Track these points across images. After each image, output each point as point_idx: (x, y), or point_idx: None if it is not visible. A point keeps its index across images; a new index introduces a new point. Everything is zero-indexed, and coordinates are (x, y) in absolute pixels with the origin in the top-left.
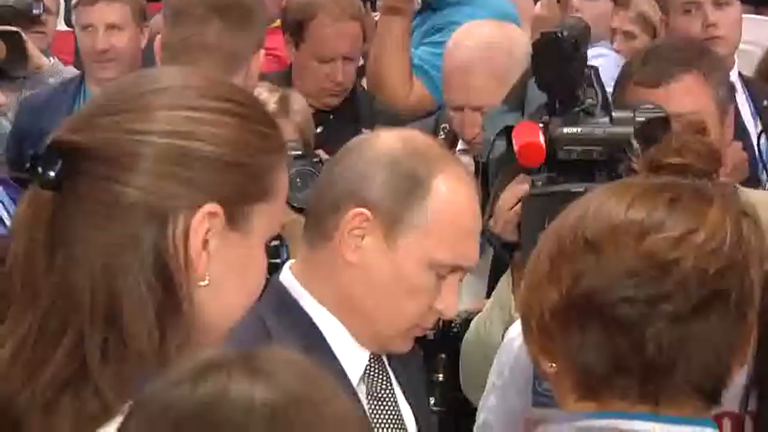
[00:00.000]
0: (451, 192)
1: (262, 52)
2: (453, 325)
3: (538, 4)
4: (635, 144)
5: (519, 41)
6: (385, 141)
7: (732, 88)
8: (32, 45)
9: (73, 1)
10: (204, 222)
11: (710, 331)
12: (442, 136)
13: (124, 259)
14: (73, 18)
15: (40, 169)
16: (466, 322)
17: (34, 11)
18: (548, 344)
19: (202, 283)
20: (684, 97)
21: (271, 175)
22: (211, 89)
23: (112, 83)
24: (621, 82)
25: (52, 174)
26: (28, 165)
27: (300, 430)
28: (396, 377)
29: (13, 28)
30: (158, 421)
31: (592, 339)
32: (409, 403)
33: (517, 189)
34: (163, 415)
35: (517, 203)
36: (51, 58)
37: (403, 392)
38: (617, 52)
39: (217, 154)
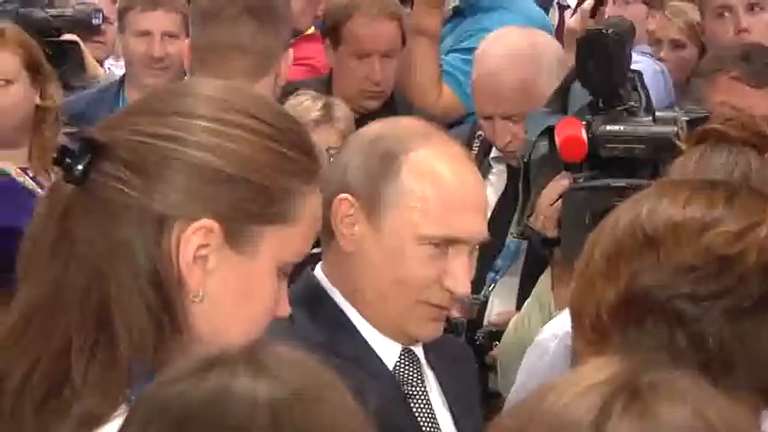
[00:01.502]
0: (429, 165)
1: (291, 51)
2: (477, 337)
3: (572, 18)
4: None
5: (547, 48)
6: (369, 129)
7: None
8: (89, 54)
9: (118, 5)
10: (195, 236)
11: None
12: (477, 144)
13: (119, 263)
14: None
15: (68, 161)
16: (491, 334)
17: (94, 21)
18: (601, 342)
19: (195, 299)
20: None
21: (291, 199)
22: (238, 103)
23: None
24: (708, 74)
25: (80, 167)
26: (55, 155)
27: (303, 427)
28: (438, 378)
29: (72, 38)
30: (160, 417)
31: (651, 335)
32: (451, 406)
33: (558, 185)
34: (164, 411)
35: (557, 199)
36: (107, 68)
37: (446, 394)
38: (658, 58)
39: (220, 167)
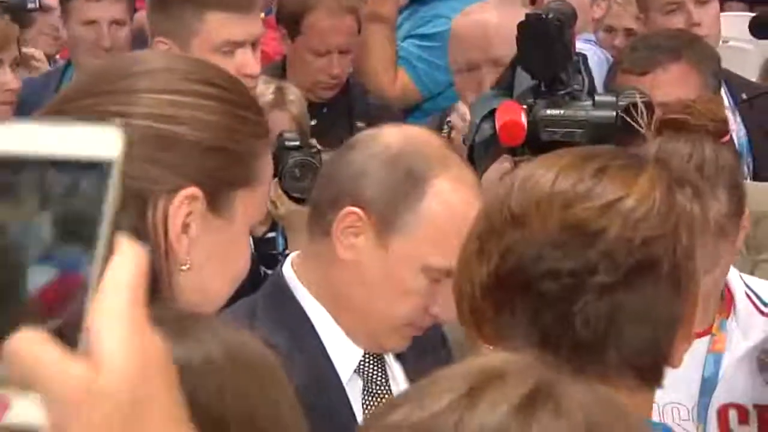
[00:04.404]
0: (449, 195)
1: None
2: None
3: None
4: (642, 107)
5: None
6: (387, 138)
7: (720, 77)
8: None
9: None
10: (183, 205)
11: (642, 303)
12: (446, 131)
13: None
14: (58, 10)
15: None
16: None
17: (29, 5)
18: (482, 326)
19: (183, 268)
20: (671, 86)
21: (255, 160)
22: (196, 73)
23: (96, 64)
24: (613, 68)
25: None
26: None
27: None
28: (405, 371)
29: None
30: None
31: (521, 316)
32: None
33: (500, 168)
34: None
35: None
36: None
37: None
38: (612, 46)
39: (198, 138)
